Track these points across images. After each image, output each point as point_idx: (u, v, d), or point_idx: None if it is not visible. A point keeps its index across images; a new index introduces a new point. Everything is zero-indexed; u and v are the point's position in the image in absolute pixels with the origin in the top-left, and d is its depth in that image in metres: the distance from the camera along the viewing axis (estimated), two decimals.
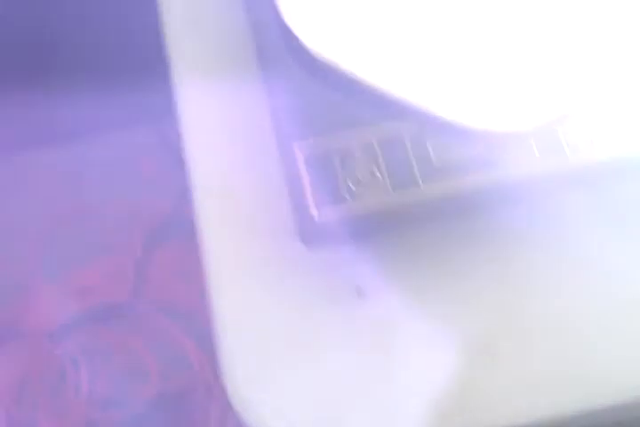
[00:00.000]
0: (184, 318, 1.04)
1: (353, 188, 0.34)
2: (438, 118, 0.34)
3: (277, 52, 0.36)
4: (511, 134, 0.34)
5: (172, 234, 1.02)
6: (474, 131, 0.34)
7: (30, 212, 1.10)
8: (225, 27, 0.40)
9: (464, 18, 0.36)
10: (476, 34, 0.36)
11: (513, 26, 0.36)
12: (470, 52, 0.35)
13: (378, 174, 0.34)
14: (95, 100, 0.98)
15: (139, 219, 1.05)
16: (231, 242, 0.40)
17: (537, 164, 0.34)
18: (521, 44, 0.35)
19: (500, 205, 0.37)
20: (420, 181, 0.34)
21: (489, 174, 0.34)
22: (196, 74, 0.40)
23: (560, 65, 0.35)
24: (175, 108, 0.41)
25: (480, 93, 0.35)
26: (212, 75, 0.41)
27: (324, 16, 0.36)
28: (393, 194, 0.34)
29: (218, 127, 0.40)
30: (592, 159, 0.34)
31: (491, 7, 0.36)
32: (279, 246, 0.39)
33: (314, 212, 0.34)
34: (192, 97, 0.40)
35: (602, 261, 0.38)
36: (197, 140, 0.40)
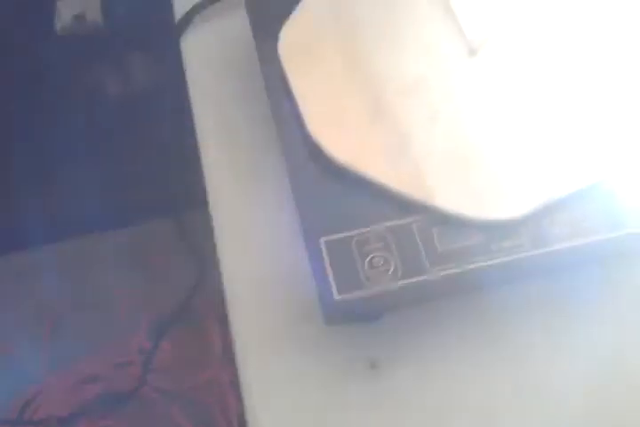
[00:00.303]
0: (187, 403, 1.06)
1: (369, 273, 0.40)
2: (440, 210, 0.40)
3: (302, 159, 0.42)
4: (502, 222, 0.40)
5: (178, 323, 1.06)
6: (471, 219, 0.40)
7: (40, 300, 1.13)
8: (254, 137, 0.47)
9: (452, 126, 0.43)
10: (465, 138, 0.42)
11: (499, 126, 0.42)
12: (461, 155, 0.42)
13: (391, 260, 0.40)
14: (111, 194, 1.05)
15: (147, 308, 1.09)
16: (259, 323, 0.44)
17: (526, 251, 0.40)
18: (503, 141, 0.42)
19: (496, 285, 0.43)
20: (428, 266, 0.40)
21: (486, 259, 0.40)
22: (230, 179, 0.47)
23: (544, 159, 0.42)
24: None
25: (475, 187, 0.41)
26: (243, 179, 0.47)
27: (342, 130, 0.43)
28: (404, 277, 0.40)
29: (249, 223, 0.45)
30: (572, 247, 0.40)
31: (479, 114, 0.43)
32: (303, 326, 0.44)
33: (337, 295, 0.39)
34: (225, 199, 0.46)
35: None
36: (231, 235, 0.45)
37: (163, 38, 0.57)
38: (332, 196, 0.41)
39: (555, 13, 0.46)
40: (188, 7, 0.54)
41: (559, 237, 0.40)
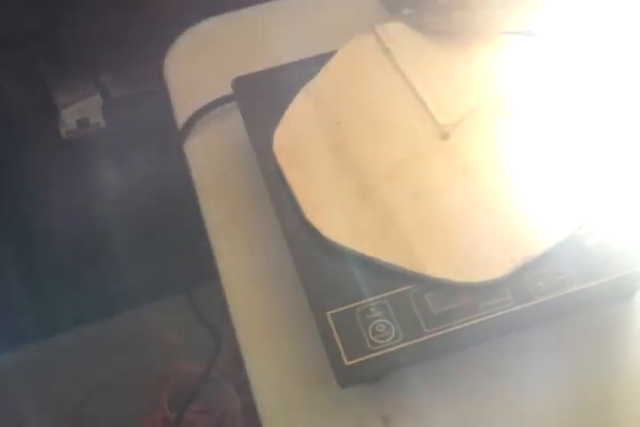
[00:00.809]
0: None
1: (374, 339, 0.44)
2: (430, 278, 0.45)
3: (302, 240, 0.47)
4: (487, 283, 0.45)
5: (199, 395, 1.08)
6: (458, 283, 0.45)
7: (64, 383, 1.16)
8: (258, 222, 0.53)
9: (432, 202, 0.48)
10: (445, 211, 0.48)
11: (473, 197, 0.48)
12: (443, 226, 0.47)
13: (391, 326, 0.44)
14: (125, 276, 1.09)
15: (167, 383, 1.12)
16: (278, 389, 0.49)
17: (511, 307, 0.44)
18: (478, 210, 0.47)
19: (489, 339, 0.47)
20: (424, 328, 0.44)
21: (476, 317, 0.45)
22: (239, 263, 0.52)
23: (517, 223, 0.47)
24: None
25: (459, 254, 0.46)
26: (251, 261, 0.52)
27: (335, 212, 0.48)
28: (405, 340, 0.44)
29: (261, 299, 0.51)
30: (553, 299, 0.45)
31: (454, 189, 0.49)
32: (318, 388, 0.48)
33: (346, 361, 0.43)
34: (237, 280, 0.52)
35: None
36: (244, 311, 0.50)
37: (165, 137, 0.63)
38: (332, 272, 0.46)
39: (518, 93, 0.53)
40: (186, 107, 0.61)
41: (541, 291, 0.45)
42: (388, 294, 0.45)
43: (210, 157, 0.58)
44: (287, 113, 0.53)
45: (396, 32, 0.57)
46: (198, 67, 0.63)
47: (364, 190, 0.49)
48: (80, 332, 1.19)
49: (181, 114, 0.61)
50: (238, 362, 0.51)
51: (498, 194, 0.48)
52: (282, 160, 0.50)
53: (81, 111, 0.95)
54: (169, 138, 0.62)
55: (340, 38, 0.57)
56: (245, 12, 0.66)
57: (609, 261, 0.46)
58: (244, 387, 0.50)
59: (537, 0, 0.59)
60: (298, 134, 0.52)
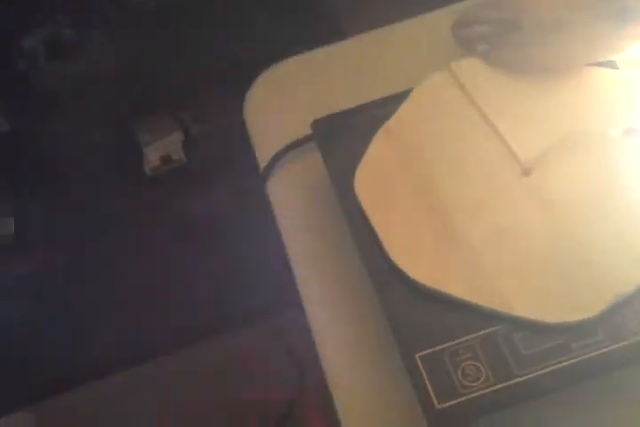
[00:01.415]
0: None
1: (464, 382, 0.44)
2: (519, 318, 0.45)
3: (387, 282, 0.48)
4: (578, 323, 0.44)
5: (286, 422, 1.09)
6: (548, 324, 0.45)
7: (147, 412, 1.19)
8: (343, 263, 0.54)
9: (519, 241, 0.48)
10: (530, 248, 0.47)
11: (558, 234, 0.47)
12: (529, 264, 0.47)
13: (481, 368, 0.44)
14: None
15: (253, 411, 1.14)
16: None
17: (605, 347, 0.43)
18: (565, 247, 0.47)
19: (582, 381, 0.46)
20: (515, 370, 0.44)
21: (569, 358, 0.44)
22: (325, 301, 0.53)
23: (608, 258, 0.46)
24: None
25: (547, 293, 0.46)
26: (337, 301, 0.53)
27: (420, 252, 0.48)
28: (495, 383, 0.44)
29: (348, 340, 0.51)
30: None
31: (539, 225, 0.48)
32: None
33: (437, 405, 0.43)
34: (323, 318, 0.52)
35: None
36: (333, 359, 0.51)
37: (246, 170, 0.64)
38: (419, 313, 0.46)
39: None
40: (266, 148, 0.62)
41: (634, 331, 0.44)
42: (476, 335, 0.45)
43: (292, 198, 0.59)
44: (367, 153, 0.54)
45: (472, 68, 0.57)
46: (276, 108, 0.65)
47: (448, 230, 0.49)
48: (163, 361, 1.23)
49: (262, 155, 0.63)
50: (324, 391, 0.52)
51: (583, 231, 0.47)
52: (364, 201, 0.51)
53: (163, 148, 0.99)
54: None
55: (415, 76, 0.58)
56: (319, 53, 0.67)
57: None
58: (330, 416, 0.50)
59: (618, 32, 0.58)
60: (379, 175, 0.53)
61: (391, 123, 0.55)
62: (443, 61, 0.58)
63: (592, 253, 0.46)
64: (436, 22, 0.65)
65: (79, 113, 0.95)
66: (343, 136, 0.56)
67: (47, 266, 1.08)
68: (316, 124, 0.57)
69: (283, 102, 0.65)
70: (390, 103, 0.57)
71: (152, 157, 1.00)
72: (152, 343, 1.21)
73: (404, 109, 0.56)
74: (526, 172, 0.51)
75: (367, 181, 0.52)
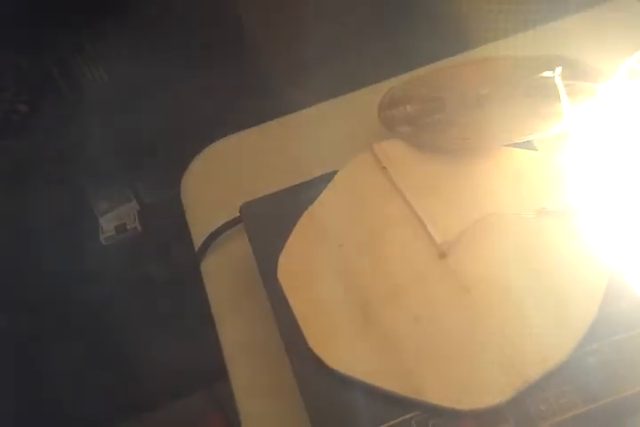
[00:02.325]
0: None
1: None
2: (432, 405, 0.46)
3: (307, 369, 0.49)
4: (488, 409, 0.45)
5: None
6: (460, 410, 0.45)
7: None
8: (270, 346, 0.54)
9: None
10: (446, 334, 0.49)
11: (474, 320, 0.48)
12: (444, 350, 0.48)
13: None
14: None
15: None
16: None
17: None
18: (479, 333, 0.48)
19: None
20: None
21: None
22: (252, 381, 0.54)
23: (517, 345, 0.47)
24: None
25: (459, 379, 0.47)
26: (262, 383, 0.54)
27: (338, 340, 0.49)
28: None
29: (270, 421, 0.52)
30: (560, 422, 0.45)
31: (455, 311, 0.49)
32: None
33: None
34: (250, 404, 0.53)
35: None
36: None
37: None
38: (336, 400, 0.47)
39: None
40: (202, 226, 0.64)
41: (544, 415, 0.45)
42: (392, 422, 0.46)
43: (224, 281, 0.60)
44: (291, 238, 0.55)
45: (394, 150, 0.59)
46: (210, 189, 0.67)
47: (367, 315, 0.50)
48: None
49: (197, 235, 0.64)
50: None
51: (497, 315, 0.49)
52: (286, 287, 0.52)
53: (118, 217, 1.00)
54: None
55: (344, 156, 0.60)
56: (252, 133, 0.70)
57: (613, 380, 0.46)
58: None
59: (535, 111, 0.61)
60: (301, 260, 0.54)
61: (315, 207, 0.57)
62: (369, 142, 0.61)
63: (503, 339, 0.48)
64: (365, 100, 0.67)
65: (37, 184, 0.97)
66: (270, 220, 0.57)
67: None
68: (245, 207, 0.59)
69: (216, 183, 0.67)
70: (315, 186, 0.58)
71: (107, 226, 1.02)
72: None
73: (327, 193, 0.58)
74: (442, 255, 0.52)
75: (290, 268, 0.53)
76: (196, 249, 0.63)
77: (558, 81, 0.58)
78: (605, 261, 0.50)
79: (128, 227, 1.02)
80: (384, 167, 0.58)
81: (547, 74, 0.61)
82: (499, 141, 0.59)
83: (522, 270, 0.51)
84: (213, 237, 0.62)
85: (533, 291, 0.50)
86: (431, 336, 0.49)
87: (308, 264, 0.54)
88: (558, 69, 0.58)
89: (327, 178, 0.59)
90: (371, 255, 0.53)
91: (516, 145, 0.59)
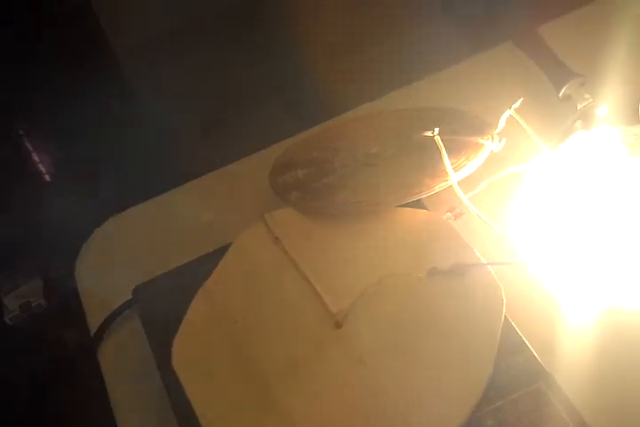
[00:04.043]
0: None
1: None
2: None
3: None
4: None
5: None
6: None
7: None
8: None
9: None
10: (347, 409, 0.47)
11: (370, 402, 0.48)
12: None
13: None
14: None
15: None
16: None
17: None
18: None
19: None
20: None
21: None
22: None
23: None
24: None
25: None
26: None
27: (234, 424, 0.48)
28: None
29: None
30: None
31: (355, 388, 0.48)
32: None
33: None
34: None
35: None
36: None
37: None
38: None
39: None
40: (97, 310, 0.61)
41: None
42: None
43: (121, 368, 0.58)
44: (185, 319, 0.53)
45: (286, 219, 0.59)
46: (106, 267, 0.65)
47: (264, 395, 0.49)
48: None
49: (93, 317, 0.61)
50: None
51: (397, 383, 0.48)
52: (181, 374, 0.50)
53: (23, 295, 0.96)
54: None
55: (238, 227, 0.59)
56: (143, 208, 0.68)
57: None
58: None
59: (424, 170, 0.61)
60: (197, 343, 0.52)
61: (208, 285, 0.55)
62: (262, 211, 0.60)
63: (406, 407, 0.47)
64: (258, 166, 0.67)
65: None
66: (164, 302, 0.56)
67: None
68: (137, 290, 0.57)
69: (110, 264, 0.65)
70: (208, 262, 0.57)
71: (11, 305, 0.97)
72: None
73: (220, 269, 0.56)
74: (338, 324, 0.52)
75: (185, 353, 0.52)
76: (92, 336, 0.60)
77: (438, 139, 0.59)
78: (496, 316, 0.50)
79: (33, 304, 0.98)
80: (277, 238, 0.58)
81: (433, 129, 0.62)
82: (389, 202, 0.59)
83: (416, 333, 0.51)
84: (108, 322, 0.60)
85: (429, 354, 0.50)
86: (333, 413, 0.48)
87: (204, 347, 0.52)
88: (437, 129, 0.59)
89: (221, 252, 0.58)
90: (267, 331, 0.52)
91: (406, 204, 0.59)
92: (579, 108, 0.64)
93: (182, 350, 0.52)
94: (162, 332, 0.53)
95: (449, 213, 0.59)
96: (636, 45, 0.68)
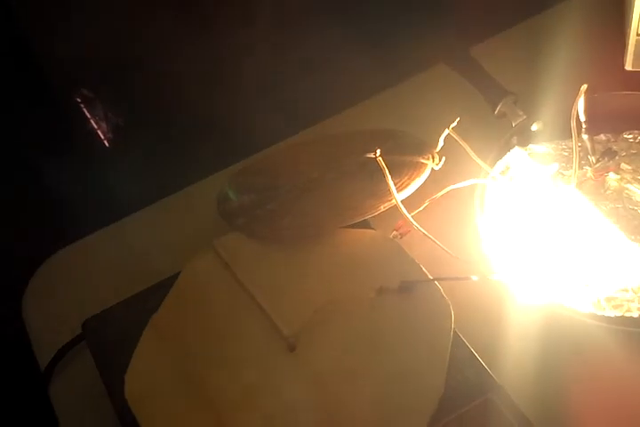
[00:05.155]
0: None
1: None
2: None
3: None
4: None
5: None
6: None
7: None
8: None
9: None
10: None
11: None
12: None
13: None
14: None
15: None
16: None
17: None
18: None
19: None
20: None
21: None
22: None
23: None
24: None
25: None
26: None
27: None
28: None
29: None
30: None
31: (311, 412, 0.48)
32: None
33: None
34: None
35: None
36: None
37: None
38: None
39: None
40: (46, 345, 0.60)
41: None
42: None
43: (72, 403, 0.57)
44: (136, 351, 0.53)
45: (235, 244, 0.59)
46: (54, 302, 0.64)
47: (220, 425, 0.48)
48: None
49: (42, 354, 0.60)
50: None
51: (352, 405, 0.48)
52: (135, 408, 0.50)
53: None
54: None
55: (188, 255, 0.59)
56: (91, 240, 0.68)
57: None
58: None
59: (367, 191, 0.62)
60: (149, 375, 0.52)
61: (158, 315, 0.55)
62: (211, 237, 0.60)
63: (359, 426, 0.47)
64: (206, 193, 0.67)
65: None
66: (114, 335, 0.55)
67: None
68: (87, 324, 0.56)
69: (57, 299, 0.64)
70: (158, 291, 0.57)
71: None
72: None
73: (170, 298, 0.56)
74: (292, 348, 0.52)
75: (137, 386, 0.51)
76: (42, 371, 0.59)
77: (380, 160, 0.60)
78: (445, 331, 0.51)
79: None
80: (227, 264, 0.58)
81: (375, 150, 0.63)
82: (334, 224, 0.60)
83: (368, 354, 0.51)
84: (58, 357, 0.59)
85: (382, 373, 0.50)
86: None
87: (156, 378, 0.52)
88: (378, 151, 0.60)
89: (170, 281, 0.58)
90: (220, 358, 0.52)
91: (352, 225, 0.60)
92: (514, 124, 0.66)
93: (135, 383, 0.51)
94: (113, 365, 0.53)
95: (395, 232, 0.60)
96: (564, 62, 0.71)
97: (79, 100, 0.89)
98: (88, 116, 0.89)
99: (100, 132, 0.90)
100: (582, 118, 0.60)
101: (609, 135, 0.64)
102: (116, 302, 0.57)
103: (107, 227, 0.67)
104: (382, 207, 0.60)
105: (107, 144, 0.90)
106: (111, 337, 0.55)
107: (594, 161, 0.62)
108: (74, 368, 0.59)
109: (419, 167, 0.64)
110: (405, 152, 0.66)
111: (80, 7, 0.80)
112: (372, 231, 0.60)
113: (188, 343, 0.53)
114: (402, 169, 0.63)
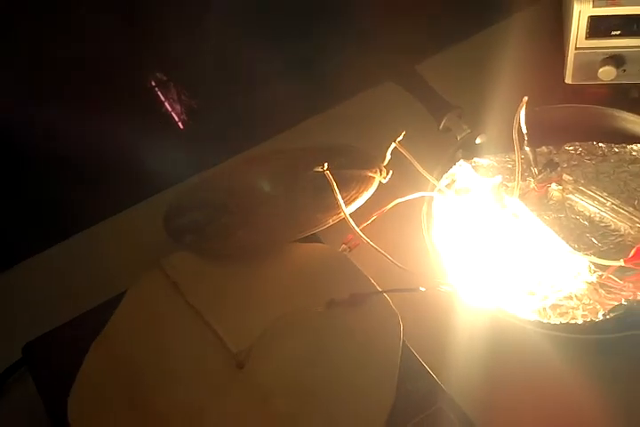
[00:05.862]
0: None
1: None
2: None
3: None
4: None
5: None
6: None
7: None
8: None
9: None
10: None
11: None
12: None
13: None
14: None
15: None
16: None
17: None
18: None
19: None
20: None
21: None
22: None
23: None
24: None
25: None
26: None
27: None
28: None
29: None
30: None
31: None
32: None
33: None
34: None
35: None
36: None
37: None
38: None
39: None
40: None
41: None
42: None
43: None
44: (80, 373, 0.51)
45: (182, 263, 0.58)
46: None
47: None
48: None
49: None
50: None
51: (302, 421, 0.48)
52: None
53: None
54: None
55: (134, 274, 0.58)
56: (33, 260, 0.66)
57: None
58: None
59: (316, 205, 0.62)
60: (93, 396, 0.50)
61: (103, 336, 0.54)
62: (158, 256, 0.59)
63: None
64: (151, 212, 0.66)
65: None
66: (57, 358, 0.54)
67: None
68: (28, 347, 0.55)
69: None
70: (104, 312, 0.56)
71: None
72: None
73: (116, 317, 0.55)
74: (240, 364, 0.51)
75: (81, 406, 0.50)
76: None
77: (328, 174, 0.60)
78: (395, 342, 0.51)
79: None
80: (174, 283, 0.57)
81: (323, 164, 0.63)
82: (284, 239, 0.60)
83: (318, 368, 0.51)
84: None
85: (331, 389, 0.49)
86: None
87: (101, 400, 0.50)
88: (326, 165, 0.60)
89: (116, 301, 0.56)
90: (168, 378, 0.51)
91: (302, 239, 0.60)
92: (458, 138, 0.67)
93: (78, 406, 0.49)
94: (56, 389, 0.51)
95: (344, 245, 0.60)
96: (506, 77, 0.72)
97: (153, 83, 0.87)
98: (162, 98, 0.87)
99: (174, 114, 0.88)
100: (524, 131, 0.61)
101: (550, 147, 0.66)
102: (59, 324, 0.56)
103: (50, 248, 0.66)
104: (331, 221, 0.60)
105: (181, 126, 0.88)
106: (54, 360, 0.53)
107: (536, 172, 0.63)
108: (17, 394, 0.57)
109: (367, 181, 0.64)
110: (354, 166, 0.66)
111: None
112: (321, 245, 0.59)
113: (135, 363, 0.52)
114: (350, 183, 0.63)
